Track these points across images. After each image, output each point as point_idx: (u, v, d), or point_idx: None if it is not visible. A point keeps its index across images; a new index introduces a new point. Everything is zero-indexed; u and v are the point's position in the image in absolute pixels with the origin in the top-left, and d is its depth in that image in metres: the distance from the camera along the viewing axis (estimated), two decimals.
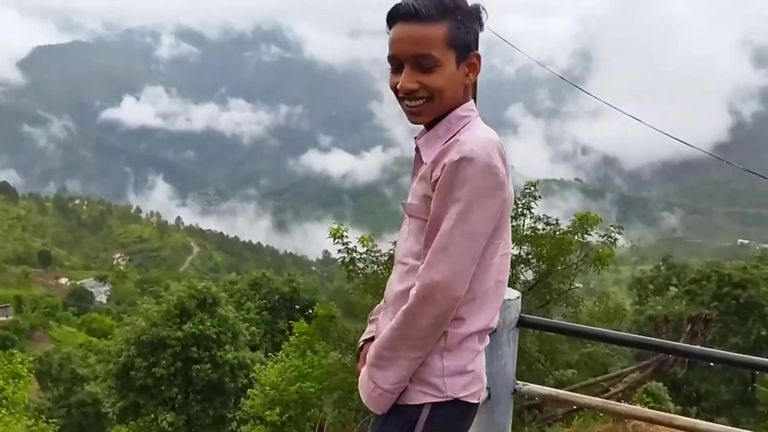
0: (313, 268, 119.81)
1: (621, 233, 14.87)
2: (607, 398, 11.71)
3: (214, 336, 19.23)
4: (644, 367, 11.05)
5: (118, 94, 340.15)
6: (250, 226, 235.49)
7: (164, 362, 18.67)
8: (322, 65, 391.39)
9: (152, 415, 18.95)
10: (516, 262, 11.50)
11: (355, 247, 13.79)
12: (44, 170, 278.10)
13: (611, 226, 12.99)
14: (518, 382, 2.66)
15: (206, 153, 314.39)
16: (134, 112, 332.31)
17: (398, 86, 1.76)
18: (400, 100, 1.81)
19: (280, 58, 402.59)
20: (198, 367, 18.76)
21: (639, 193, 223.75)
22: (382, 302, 2.04)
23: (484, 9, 1.81)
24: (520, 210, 12.69)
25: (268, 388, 15.12)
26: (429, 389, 1.75)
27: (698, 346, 2.81)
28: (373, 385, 1.76)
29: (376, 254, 13.79)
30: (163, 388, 18.93)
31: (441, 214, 1.68)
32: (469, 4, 1.80)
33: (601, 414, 12.34)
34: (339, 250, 13.85)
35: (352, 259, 13.73)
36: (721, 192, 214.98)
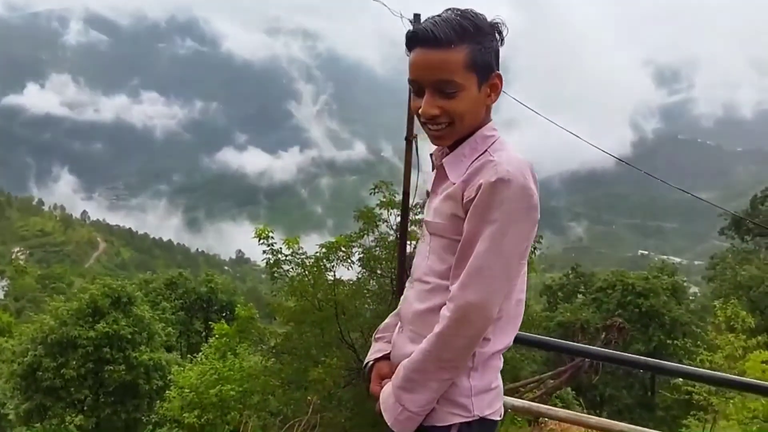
0: (226, 267, 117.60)
1: (541, 242, 15.50)
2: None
3: (129, 336, 18.67)
4: (560, 374, 11.54)
5: (21, 80, 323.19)
6: (160, 223, 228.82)
7: (74, 363, 17.99)
8: (239, 61, 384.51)
9: (59, 418, 18.17)
10: None
11: (280, 248, 13.77)
12: None
13: None
14: None
15: (116, 146, 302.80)
16: (38, 99, 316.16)
17: (420, 111, 1.78)
18: (423, 123, 1.83)
19: (195, 52, 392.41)
20: (111, 368, 18.16)
21: (548, 203, 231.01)
22: (389, 319, 2.07)
23: (504, 24, 1.81)
24: None
25: (186, 390, 14.85)
26: (457, 409, 1.76)
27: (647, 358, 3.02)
28: (401, 408, 1.75)
29: (301, 256, 13.80)
30: (72, 389, 18.22)
31: (476, 235, 1.69)
32: (488, 20, 1.80)
33: (518, 418, 12.80)
34: (264, 251, 13.79)
35: (277, 261, 13.69)
36: (623, 204, 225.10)
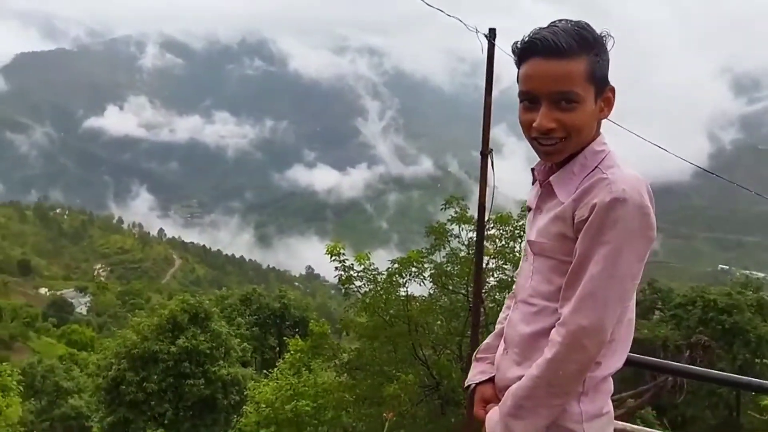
0: (296, 283, 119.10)
1: None
2: None
3: (207, 351, 19.10)
4: (642, 393, 11.19)
5: (102, 103, 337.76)
6: (232, 239, 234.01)
7: (155, 377, 18.51)
8: (307, 80, 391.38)
9: (142, 431, 18.71)
10: (512, 284, 11.60)
11: (352, 264, 13.87)
12: (25, 178, 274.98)
13: None
14: None
15: (190, 165, 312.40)
16: (117, 121, 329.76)
17: (535, 125, 1.70)
18: (533, 138, 1.75)
19: (264, 72, 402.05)
20: (191, 382, 18.60)
21: None
22: (491, 339, 2.04)
23: (611, 35, 1.75)
24: (517, 232, 12.84)
25: (262, 405, 15.06)
26: None
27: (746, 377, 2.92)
28: None
29: (373, 272, 13.86)
30: (153, 403, 18.74)
31: (588, 257, 1.61)
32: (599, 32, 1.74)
33: None
34: (336, 267, 13.91)
35: (349, 277, 13.79)
36: (700, 217, 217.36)
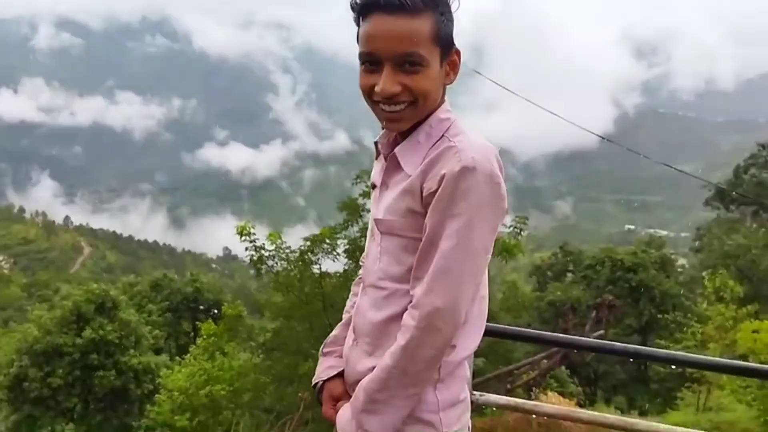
0: (214, 265, 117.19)
1: (525, 224, 15.36)
2: (522, 385, 12.06)
3: (116, 341, 18.41)
4: (553, 355, 11.42)
5: None
6: (144, 223, 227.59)
7: (61, 371, 17.74)
8: (214, 57, 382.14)
9: (49, 428, 17.90)
10: None
11: (263, 244, 13.53)
12: None
13: (516, 217, 13.35)
14: (474, 392, 2.54)
15: (95, 149, 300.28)
16: (12, 105, 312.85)
17: (377, 89, 1.53)
18: (375, 103, 1.58)
19: (167, 49, 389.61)
20: (100, 374, 17.91)
21: (533, 183, 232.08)
22: (338, 330, 1.85)
23: None
24: None
25: (176, 393, 14.60)
26: (425, 427, 1.57)
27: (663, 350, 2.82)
28: None
29: (286, 251, 13.57)
30: (60, 398, 17.98)
31: (439, 231, 1.49)
32: None
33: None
34: (246, 248, 13.54)
35: (261, 257, 13.45)
36: (607, 180, 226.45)
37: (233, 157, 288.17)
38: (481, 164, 1.48)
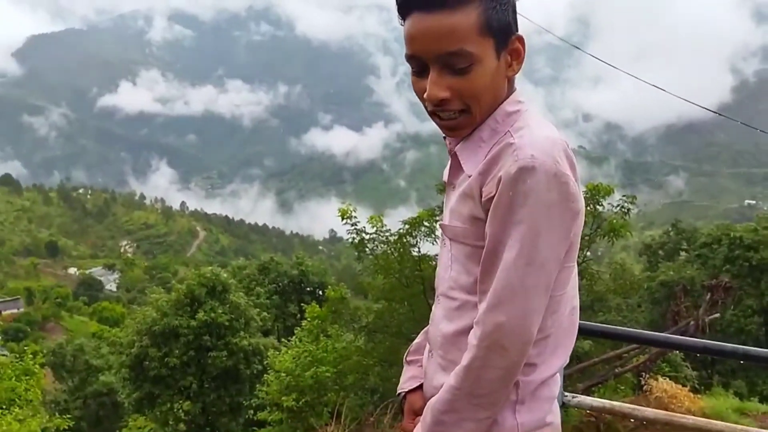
0: (320, 247, 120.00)
1: (634, 203, 14.70)
2: (631, 369, 11.59)
3: (227, 323, 19.08)
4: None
5: (114, 80, 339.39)
6: (254, 207, 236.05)
7: (177, 351, 18.55)
8: (316, 42, 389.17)
9: (168, 404, 18.90)
10: None
11: (364, 227, 13.63)
12: (46, 160, 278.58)
13: (623, 195, 12.78)
14: (566, 393, 2.41)
15: (207, 136, 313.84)
16: (132, 97, 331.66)
17: (425, 96, 1.38)
18: (430, 112, 1.42)
19: (272, 37, 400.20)
20: (213, 354, 18.67)
21: (643, 158, 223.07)
22: (420, 337, 1.71)
23: None
24: None
25: (283, 374, 15.02)
26: None
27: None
28: None
29: (386, 234, 13.63)
30: (177, 377, 18.84)
31: (500, 242, 1.33)
32: None
33: (622, 387, 12.23)
34: (348, 231, 13.71)
35: (362, 240, 13.57)
36: (725, 153, 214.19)
37: (337, 140, 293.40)
38: (542, 163, 1.30)
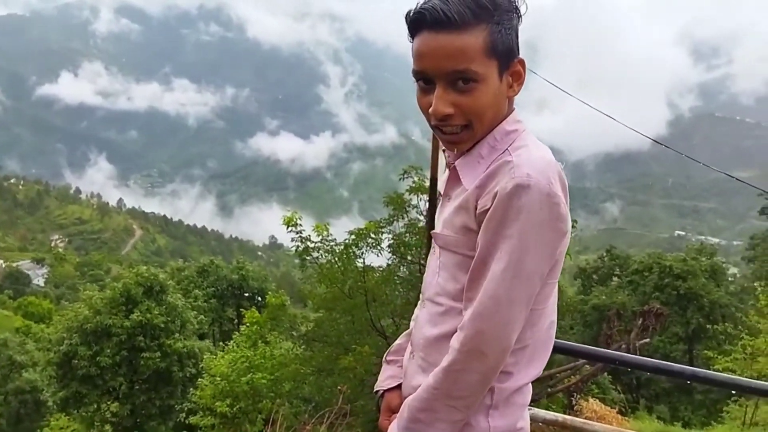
0: (260, 253, 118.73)
1: (574, 226, 15.14)
2: (563, 389, 11.91)
3: (162, 324, 18.78)
4: None
5: (55, 70, 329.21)
6: (193, 208, 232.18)
7: (109, 351, 18.17)
8: (267, 47, 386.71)
9: (95, 405, 18.45)
10: None
11: (309, 235, 13.62)
12: None
13: None
14: None
15: (149, 133, 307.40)
16: (72, 88, 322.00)
17: (431, 110, 1.45)
18: (434, 126, 1.50)
19: (221, 38, 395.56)
20: (146, 355, 18.33)
21: (582, 184, 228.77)
22: (402, 339, 1.81)
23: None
24: None
25: (218, 378, 14.86)
26: None
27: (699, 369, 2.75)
28: None
29: (331, 243, 13.65)
30: (107, 377, 18.43)
31: (490, 253, 1.40)
32: None
33: (553, 407, 12.52)
34: (292, 239, 13.66)
35: (306, 248, 13.55)
36: (658, 184, 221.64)
37: (284, 146, 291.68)
38: (536, 182, 1.37)
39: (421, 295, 1.74)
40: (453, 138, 1.49)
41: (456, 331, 1.46)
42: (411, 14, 1.45)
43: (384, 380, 1.75)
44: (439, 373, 1.45)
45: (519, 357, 1.49)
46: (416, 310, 1.77)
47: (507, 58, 1.45)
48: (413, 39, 1.46)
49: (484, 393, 1.46)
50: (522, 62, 1.49)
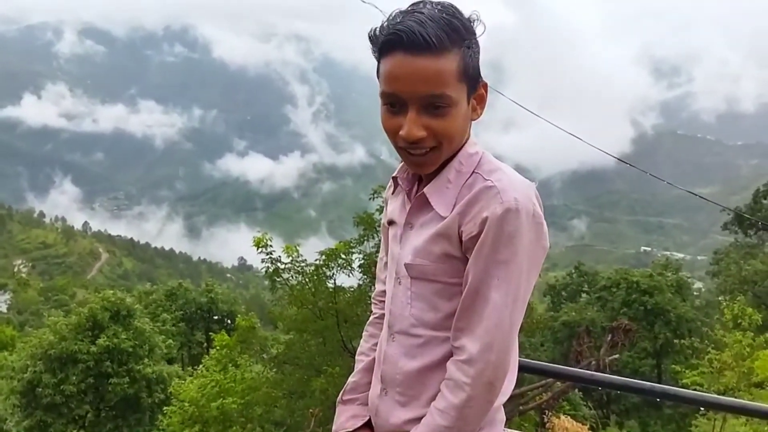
0: (229, 275, 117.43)
1: None
2: (535, 407, 11.94)
3: (130, 349, 18.45)
4: None
5: (17, 92, 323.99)
6: (161, 231, 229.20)
7: (74, 378, 17.79)
8: (233, 67, 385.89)
9: None
10: None
11: (279, 256, 13.52)
12: None
13: None
14: None
15: (115, 156, 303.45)
16: (35, 111, 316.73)
17: (402, 134, 1.42)
18: (400, 148, 1.47)
19: (185, 58, 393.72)
20: (114, 381, 17.96)
21: (549, 201, 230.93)
22: (357, 377, 1.72)
23: (480, 19, 1.46)
24: None
25: (186, 404, 14.61)
26: None
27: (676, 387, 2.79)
28: None
29: (302, 264, 13.57)
30: (72, 405, 18.01)
31: (484, 281, 1.40)
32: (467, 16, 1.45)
33: (526, 425, 12.55)
34: (262, 260, 13.56)
35: (276, 270, 13.45)
36: (624, 201, 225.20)
37: (252, 167, 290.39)
38: (523, 205, 1.39)
39: (373, 328, 1.72)
40: (420, 160, 1.46)
41: (438, 361, 1.46)
42: (382, 34, 1.41)
43: (347, 421, 1.69)
44: (449, 411, 1.42)
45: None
46: (363, 345, 1.75)
47: (475, 82, 1.45)
48: (382, 58, 1.43)
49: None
50: (485, 86, 1.49)
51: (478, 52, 1.45)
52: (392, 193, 1.68)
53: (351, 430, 1.66)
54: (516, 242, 1.38)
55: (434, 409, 1.44)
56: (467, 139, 1.51)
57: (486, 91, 1.50)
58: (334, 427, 1.71)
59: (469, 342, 1.41)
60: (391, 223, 1.64)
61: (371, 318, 1.78)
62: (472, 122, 1.52)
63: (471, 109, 1.48)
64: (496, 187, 1.41)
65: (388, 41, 1.40)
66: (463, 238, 1.42)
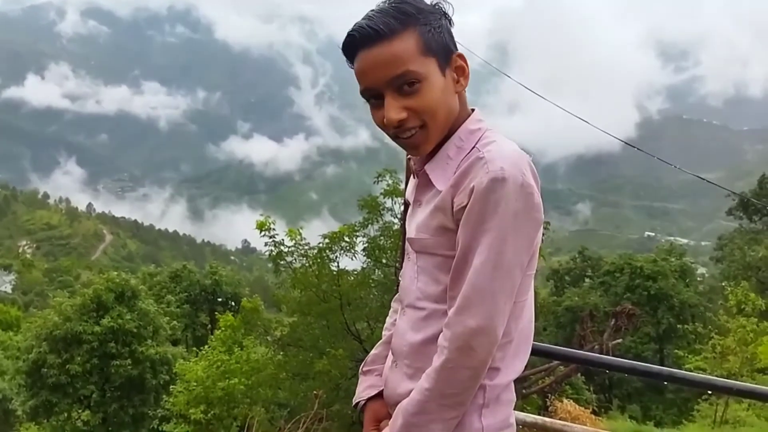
0: (233, 257, 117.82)
1: (548, 228, 15.25)
2: (538, 391, 12.00)
3: (134, 330, 18.53)
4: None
5: (21, 73, 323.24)
6: (164, 212, 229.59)
7: (79, 358, 17.87)
8: (237, 48, 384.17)
9: (66, 414, 18.12)
10: None
11: (282, 239, 13.54)
12: None
13: None
14: None
15: (120, 137, 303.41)
16: (39, 92, 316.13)
17: (385, 121, 1.49)
18: (393, 137, 1.53)
19: (188, 39, 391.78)
20: (117, 362, 18.05)
21: (554, 186, 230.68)
22: (378, 349, 1.80)
23: (448, 2, 1.54)
24: None
25: (192, 384, 14.71)
26: None
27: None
28: None
29: (305, 247, 13.58)
30: (77, 385, 18.12)
31: (471, 248, 1.42)
32: (429, 2, 1.52)
33: (528, 408, 12.59)
34: (266, 243, 13.57)
35: (280, 253, 13.46)
36: (628, 186, 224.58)
37: (257, 149, 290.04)
38: (511, 174, 1.40)
39: (397, 303, 1.75)
40: (412, 141, 1.51)
41: (439, 333, 1.47)
42: (345, 42, 1.51)
43: (363, 390, 1.74)
44: (431, 373, 1.45)
45: (505, 351, 1.50)
46: (388, 320, 1.80)
47: (445, 54, 1.50)
48: (352, 64, 1.52)
49: (475, 389, 1.46)
50: (462, 56, 1.53)
51: (443, 28, 1.50)
52: (411, 176, 1.71)
53: (367, 398, 1.71)
54: (501, 211, 1.39)
55: (423, 374, 1.48)
56: (468, 115, 1.56)
57: (465, 62, 1.54)
58: (355, 397, 1.76)
59: (452, 308, 1.45)
60: (407, 204, 1.70)
61: (395, 295, 1.81)
62: (465, 95, 1.57)
63: (452, 81, 1.52)
64: (485, 158, 1.44)
65: (347, 45, 1.50)
66: (455, 209, 1.46)
